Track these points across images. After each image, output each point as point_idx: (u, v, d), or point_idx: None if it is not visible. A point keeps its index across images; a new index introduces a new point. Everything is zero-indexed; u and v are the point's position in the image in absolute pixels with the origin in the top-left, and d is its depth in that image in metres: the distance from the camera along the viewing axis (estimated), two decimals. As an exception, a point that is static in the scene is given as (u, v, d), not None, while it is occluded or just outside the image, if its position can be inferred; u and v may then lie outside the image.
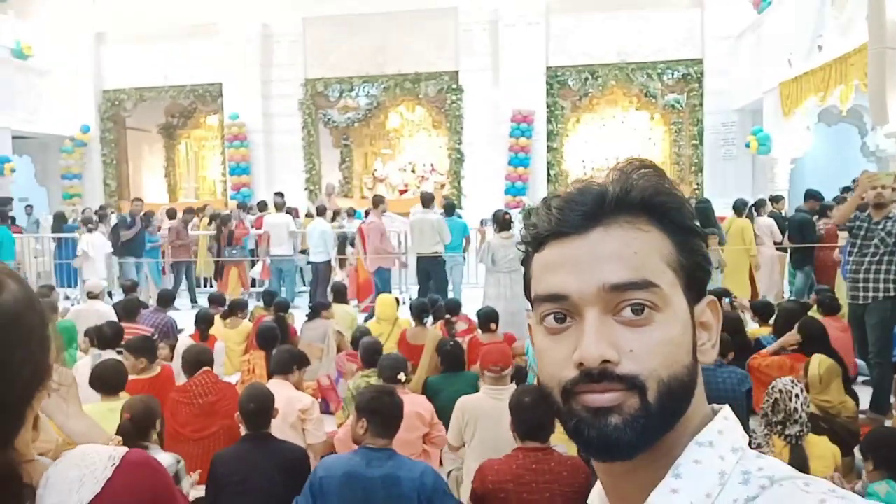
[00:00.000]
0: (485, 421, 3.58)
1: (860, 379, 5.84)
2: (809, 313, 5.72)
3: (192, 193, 17.50)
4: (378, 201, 9.67)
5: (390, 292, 8.99)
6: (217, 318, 6.46)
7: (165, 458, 3.04)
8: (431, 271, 8.97)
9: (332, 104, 15.69)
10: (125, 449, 1.02)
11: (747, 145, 11.86)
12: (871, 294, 5.15)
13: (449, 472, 3.90)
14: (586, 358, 0.68)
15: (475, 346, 5.25)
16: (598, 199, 0.72)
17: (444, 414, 3.90)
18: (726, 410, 0.74)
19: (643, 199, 0.72)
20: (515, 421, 2.99)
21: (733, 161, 13.90)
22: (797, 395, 3.15)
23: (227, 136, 15.39)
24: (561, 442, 3.23)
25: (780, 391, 3.20)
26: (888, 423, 4.67)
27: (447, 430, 3.85)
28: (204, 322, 6.19)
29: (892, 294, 5.08)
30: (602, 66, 14.36)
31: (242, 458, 3.18)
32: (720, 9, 13.58)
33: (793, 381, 3.26)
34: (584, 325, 0.70)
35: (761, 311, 6.11)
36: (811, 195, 9.08)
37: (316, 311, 6.54)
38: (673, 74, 14.47)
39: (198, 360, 4.16)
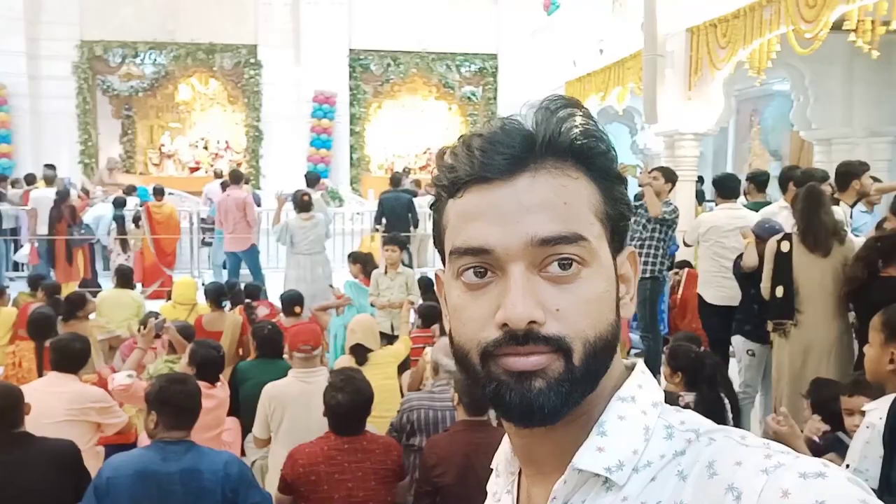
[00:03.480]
0: (294, 407, 3.43)
1: (633, 352, 6.50)
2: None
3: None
4: (238, 177, 9.38)
5: (261, 275, 8.48)
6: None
7: None
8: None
9: (113, 70, 14.28)
10: None
11: (536, 138, 12.65)
12: None
13: (253, 462, 3.71)
14: (512, 319, 0.62)
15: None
16: (528, 142, 0.65)
17: (251, 404, 3.68)
18: (641, 364, 0.72)
19: (572, 142, 0.66)
20: (331, 419, 2.91)
21: (525, 154, 14.77)
22: None
23: (-17, 99, 13.40)
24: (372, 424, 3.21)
25: None
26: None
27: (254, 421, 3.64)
28: (-47, 310, 5.33)
29: (647, 275, 5.67)
30: (404, 54, 14.54)
31: None
32: (514, 7, 14.32)
33: None
34: (508, 281, 0.64)
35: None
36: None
37: (70, 310, 5.15)
38: (470, 67, 15.05)
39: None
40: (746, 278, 4.52)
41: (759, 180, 5.88)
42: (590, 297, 0.65)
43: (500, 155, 0.65)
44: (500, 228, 0.64)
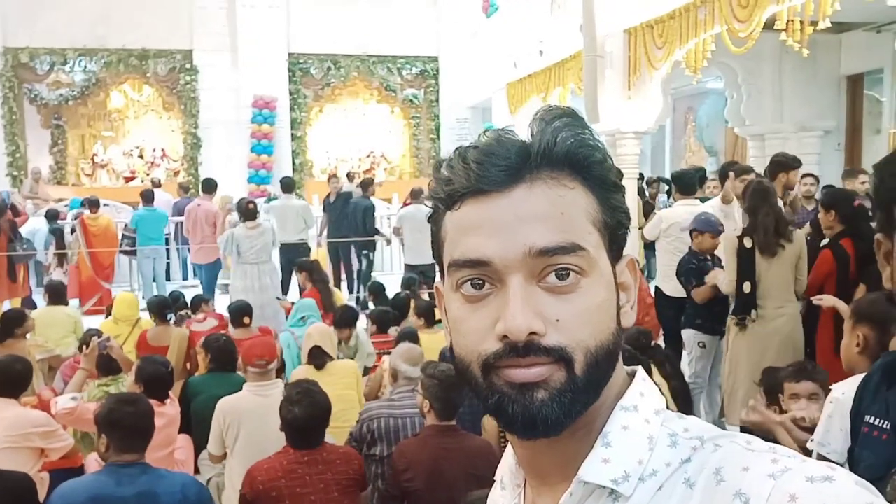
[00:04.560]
0: (250, 421, 3.34)
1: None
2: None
3: None
4: (212, 186, 9.10)
5: (213, 291, 8.21)
6: None
7: None
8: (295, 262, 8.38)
9: (41, 78, 13.71)
10: None
11: (479, 140, 12.73)
12: None
13: (209, 480, 3.61)
14: (512, 330, 0.62)
15: (228, 342, 4.92)
16: (523, 153, 0.65)
17: (203, 419, 3.57)
18: (642, 372, 0.71)
19: (568, 151, 0.66)
20: (288, 433, 2.84)
21: (467, 155, 14.84)
22: None
23: None
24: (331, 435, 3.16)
25: None
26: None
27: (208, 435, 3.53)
28: None
29: None
30: (344, 57, 14.43)
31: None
32: (453, 10, 14.36)
33: None
34: (507, 292, 0.63)
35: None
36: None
37: (7, 328, 4.87)
38: (412, 69, 15.04)
39: None
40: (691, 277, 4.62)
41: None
42: (590, 307, 0.65)
43: (495, 167, 0.65)
44: (498, 240, 0.64)
